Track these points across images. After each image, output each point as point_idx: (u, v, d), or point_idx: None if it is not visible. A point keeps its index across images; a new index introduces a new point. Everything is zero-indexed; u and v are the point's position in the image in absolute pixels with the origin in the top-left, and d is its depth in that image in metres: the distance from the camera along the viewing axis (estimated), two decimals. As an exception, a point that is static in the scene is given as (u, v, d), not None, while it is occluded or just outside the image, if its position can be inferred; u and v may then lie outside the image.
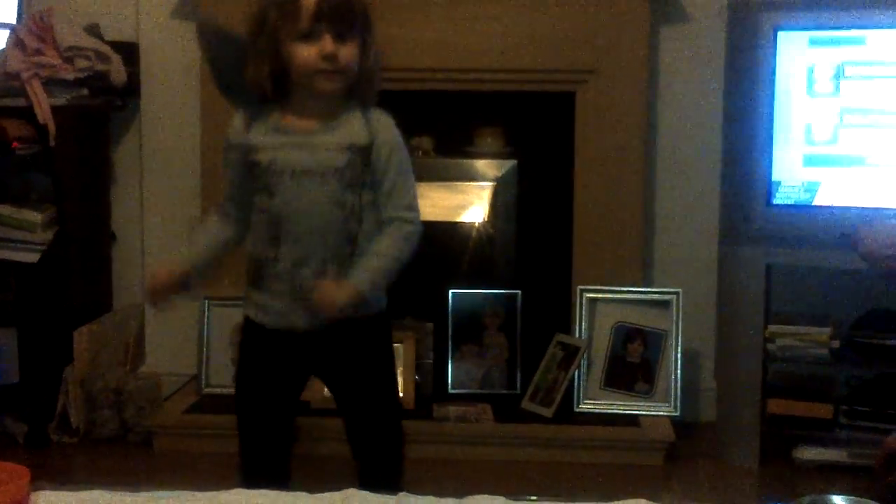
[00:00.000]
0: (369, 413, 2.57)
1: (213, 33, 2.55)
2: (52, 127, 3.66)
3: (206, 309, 3.87)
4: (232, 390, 3.74)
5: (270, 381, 2.53)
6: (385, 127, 2.40)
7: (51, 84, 3.72)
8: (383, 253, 2.38)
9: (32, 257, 3.72)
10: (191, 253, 2.57)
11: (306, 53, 2.30)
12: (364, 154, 2.35)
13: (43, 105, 3.66)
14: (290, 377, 2.55)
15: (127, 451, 3.70)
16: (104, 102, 3.95)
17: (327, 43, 2.28)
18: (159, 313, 3.91)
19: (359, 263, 2.37)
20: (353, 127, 2.37)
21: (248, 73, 2.35)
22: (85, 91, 3.82)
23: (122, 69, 3.92)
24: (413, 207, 2.42)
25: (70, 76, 3.76)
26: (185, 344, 4.01)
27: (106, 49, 3.88)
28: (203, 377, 3.85)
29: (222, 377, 3.84)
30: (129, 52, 3.98)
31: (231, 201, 2.52)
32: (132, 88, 4.00)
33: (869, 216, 3.50)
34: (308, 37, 2.29)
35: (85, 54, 3.79)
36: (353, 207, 2.36)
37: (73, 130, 3.82)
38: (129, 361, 4.03)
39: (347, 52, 2.31)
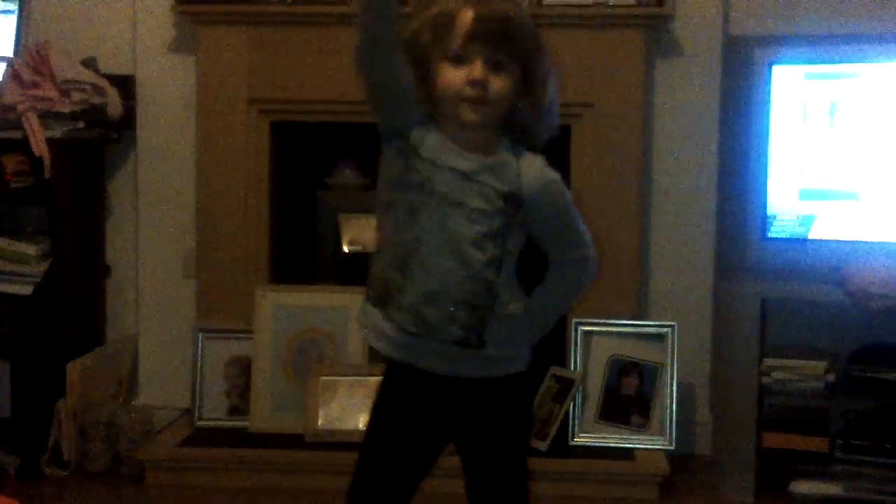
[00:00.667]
0: (500, 485, 2.26)
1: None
2: (47, 159, 3.66)
3: (200, 341, 3.86)
4: (226, 423, 3.79)
5: (401, 423, 2.20)
6: (537, 178, 2.13)
7: (47, 117, 3.73)
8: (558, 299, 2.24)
9: (26, 290, 3.71)
10: None
11: (452, 76, 2.05)
12: (515, 203, 2.10)
13: (39, 138, 3.66)
14: (422, 423, 2.21)
15: (119, 484, 3.67)
16: (100, 135, 3.96)
17: (476, 68, 2.04)
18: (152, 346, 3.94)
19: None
20: (510, 172, 2.10)
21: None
22: (81, 124, 3.83)
23: (119, 102, 3.93)
24: (582, 244, 2.23)
25: (66, 109, 3.76)
26: (178, 377, 4.00)
27: (102, 82, 3.89)
28: (196, 410, 3.83)
29: (216, 410, 3.83)
30: (125, 85, 3.99)
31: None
32: (128, 121, 4.01)
33: (866, 252, 3.52)
34: (459, 59, 2.05)
35: (81, 87, 3.80)
36: (493, 255, 2.10)
37: (68, 163, 3.82)
38: (121, 394, 4.01)
39: (500, 83, 2.05)
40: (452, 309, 2.08)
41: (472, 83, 2.04)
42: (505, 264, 2.12)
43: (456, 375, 2.13)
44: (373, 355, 3.77)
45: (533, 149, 2.16)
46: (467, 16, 2.03)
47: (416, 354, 2.12)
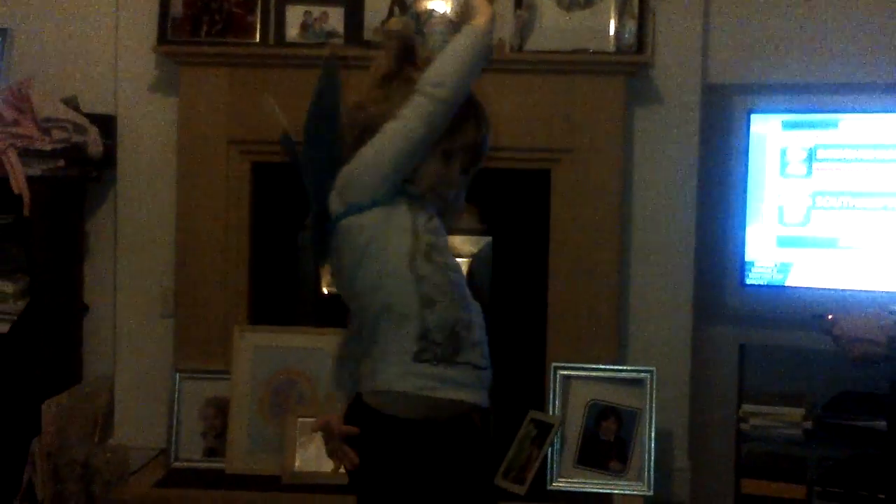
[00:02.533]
0: None
1: (334, 78, 2.40)
2: (27, 197, 3.65)
3: (177, 381, 3.84)
4: (202, 464, 3.76)
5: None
6: None
7: (27, 154, 3.72)
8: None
9: (3, 327, 3.70)
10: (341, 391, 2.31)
11: (437, 169, 2.21)
12: None
13: (18, 175, 3.66)
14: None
15: (93, 525, 3.65)
16: (80, 174, 3.95)
17: (456, 173, 2.24)
18: (129, 388, 3.92)
19: None
20: None
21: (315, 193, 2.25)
22: (61, 162, 3.82)
23: (99, 141, 3.93)
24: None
25: (46, 147, 3.76)
26: (154, 417, 3.98)
27: (83, 121, 3.89)
28: (172, 451, 3.81)
29: (192, 451, 3.81)
30: (106, 124, 3.99)
31: None
32: (108, 160, 4.00)
33: (843, 300, 3.54)
34: (448, 158, 2.22)
35: (62, 125, 3.80)
36: None
37: (47, 201, 3.81)
38: (97, 434, 3.98)
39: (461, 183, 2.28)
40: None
41: (450, 182, 2.22)
42: None
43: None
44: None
45: None
46: (483, 132, 2.27)
47: (485, 391, 2.18)
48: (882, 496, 3.39)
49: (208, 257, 3.93)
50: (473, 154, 2.26)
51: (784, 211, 3.68)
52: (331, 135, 2.25)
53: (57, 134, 3.79)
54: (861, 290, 3.59)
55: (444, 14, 3.80)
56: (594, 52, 3.82)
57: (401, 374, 2.12)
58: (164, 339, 3.99)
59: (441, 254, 2.16)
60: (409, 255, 2.13)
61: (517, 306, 3.98)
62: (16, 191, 3.65)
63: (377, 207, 2.14)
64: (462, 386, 2.13)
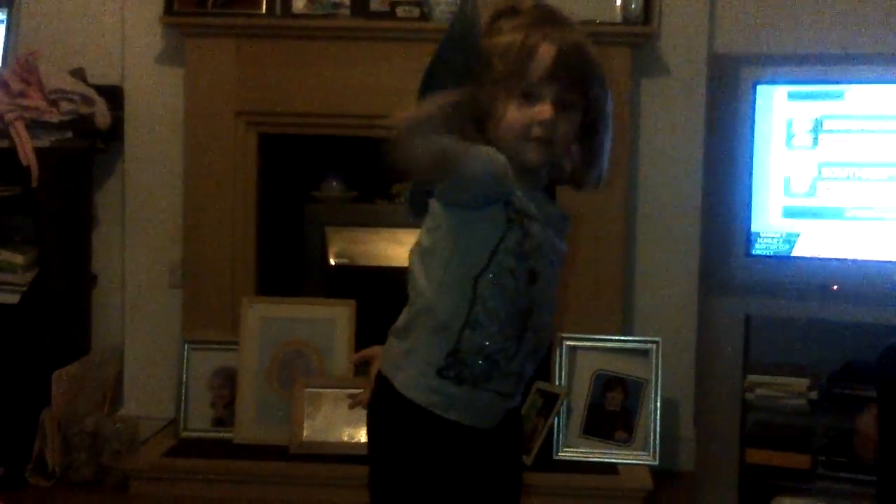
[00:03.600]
0: None
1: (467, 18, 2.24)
2: (34, 169, 3.66)
3: (186, 352, 3.86)
4: (210, 434, 3.79)
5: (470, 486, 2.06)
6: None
7: (35, 126, 3.73)
8: None
9: (13, 298, 3.71)
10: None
11: (521, 115, 1.90)
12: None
13: (26, 147, 3.66)
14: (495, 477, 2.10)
15: (103, 494, 3.67)
16: (87, 145, 3.96)
17: (547, 107, 1.89)
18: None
19: None
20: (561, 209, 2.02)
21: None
22: (69, 134, 3.83)
23: (107, 113, 3.94)
24: None
25: (54, 119, 3.77)
26: (163, 387, 4.00)
27: (90, 92, 3.89)
28: (182, 421, 3.83)
29: (200, 421, 3.83)
30: (113, 95, 4.00)
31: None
32: (116, 132, 4.01)
33: (849, 270, 3.55)
34: (529, 95, 1.90)
35: (69, 97, 3.81)
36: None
37: (55, 173, 3.82)
38: (106, 404, 4.01)
39: (566, 124, 1.92)
40: (540, 355, 2.02)
41: (541, 123, 1.89)
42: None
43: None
44: (358, 369, 3.79)
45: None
46: (549, 52, 1.88)
47: (499, 415, 2.02)
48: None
49: (216, 228, 3.94)
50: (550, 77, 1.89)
51: (790, 182, 3.67)
52: (462, 64, 1.93)
53: (65, 105, 3.80)
54: (867, 260, 3.60)
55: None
56: (601, 23, 3.81)
57: (419, 383, 1.99)
58: (173, 309, 4.02)
59: (510, 278, 1.92)
60: (476, 276, 1.93)
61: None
62: (24, 162, 3.66)
63: (467, 210, 1.91)
64: (477, 413, 1.99)
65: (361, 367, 2.19)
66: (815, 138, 3.66)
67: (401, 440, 2.03)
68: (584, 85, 1.92)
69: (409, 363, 1.99)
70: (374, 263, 4.12)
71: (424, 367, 1.97)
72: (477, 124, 1.92)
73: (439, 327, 1.95)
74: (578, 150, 1.99)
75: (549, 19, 1.94)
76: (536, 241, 1.92)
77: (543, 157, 1.93)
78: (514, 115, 1.90)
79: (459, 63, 1.92)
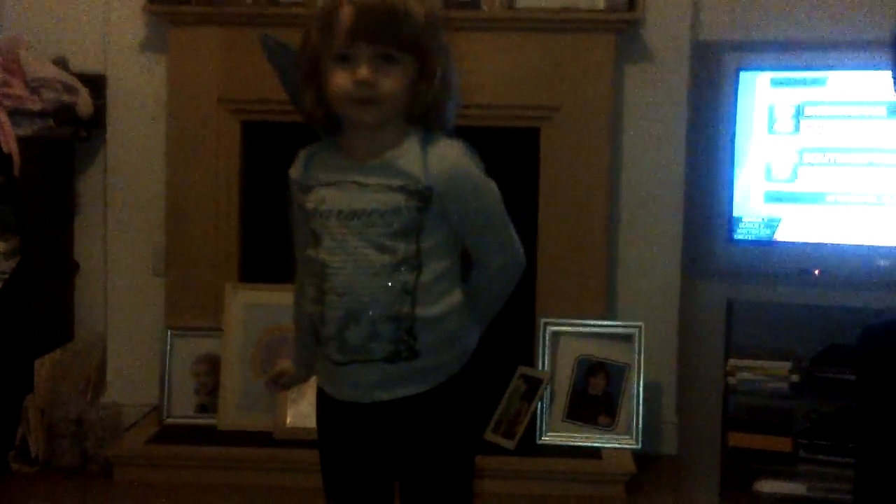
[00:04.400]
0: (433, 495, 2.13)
1: (274, 46, 2.32)
2: (16, 157, 3.66)
3: (169, 339, 3.86)
4: (194, 421, 3.79)
5: (347, 457, 2.12)
6: (443, 168, 1.98)
7: (17, 114, 3.72)
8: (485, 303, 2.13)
9: (-5, 286, 3.71)
10: (300, 352, 2.20)
11: (340, 78, 1.93)
12: (421, 197, 1.97)
13: (8, 135, 3.66)
14: (364, 452, 2.11)
15: (87, 481, 3.67)
16: (70, 133, 3.95)
17: (362, 67, 1.91)
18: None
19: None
20: (409, 164, 1.98)
21: (301, 102, 2.03)
22: (51, 122, 3.82)
23: (89, 101, 3.93)
24: (504, 249, 2.13)
25: (36, 107, 3.76)
26: (146, 374, 4.00)
27: (73, 81, 3.89)
28: (165, 407, 3.84)
29: (184, 408, 3.83)
30: (96, 84, 3.99)
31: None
32: (98, 120, 4.00)
33: (830, 254, 3.57)
34: (345, 58, 1.93)
35: (52, 86, 3.80)
36: (405, 256, 1.97)
37: (37, 161, 3.82)
38: (90, 391, 4.00)
39: (390, 79, 1.93)
40: (373, 325, 1.98)
41: (359, 83, 1.92)
42: (424, 264, 1.99)
43: (392, 398, 2.02)
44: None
45: (452, 135, 2.05)
46: (346, 11, 1.92)
47: (350, 387, 2.03)
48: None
49: (199, 215, 3.94)
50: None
51: (772, 167, 3.69)
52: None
53: (47, 94, 3.79)
54: (848, 245, 3.61)
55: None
56: (584, 10, 3.82)
57: None
58: (156, 296, 4.01)
59: (304, 244, 2.04)
60: (302, 246, 2.07)
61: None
62: (5, 151, 3.66)
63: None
64: (324, 375, 2.09)
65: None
66: (797, 124, 3.68)
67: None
68: (395, 35, 1.92)
69: None
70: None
71: None
72: (318, 94, 1.99)
73: None
74: (427, 90, 1.98)
75: None
76: (314, 201, 2.00)
77: (374, 116, 1.96)
78: (336, 79, 1.94)
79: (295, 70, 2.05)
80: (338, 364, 2.01)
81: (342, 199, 1.98)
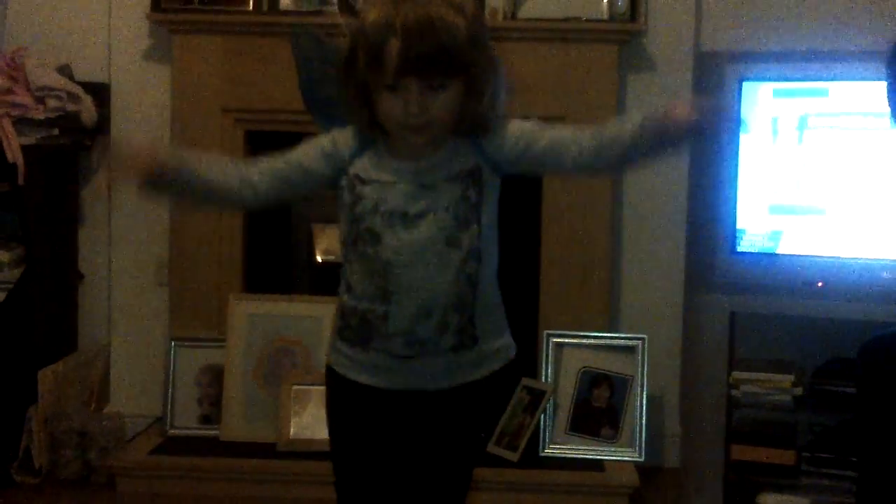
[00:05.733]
0: (442, 482, 2.21)
1: (309, 44, 2.30)
2: (21, 166, 3.66)
3: (173, 350, 3.86)
4: (197, 432, 3.79)
5: (378, 446, 2.16)
6: (500, 135, 2.05)
7: (21, 123, 3.73)
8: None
9: (-1, 296, 3.72)
10: (184, 155, 2.10)
11: (391, 106, 1.96)
12: (475, 178, 2.04)
13: (13, 144, 3.66)
14: (404, 440, 2.17)
15: (90, 492, 3.67)
16: (74, 142, 3.96)
17: (412, 95, 1.94)
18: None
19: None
20: (460, 153, 2.04)
21: (347, 115, 2.07)
22: (55, 131, 3.83)
23: (94, 110, 3.93)
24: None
25: (41, 116, 3.76)
26: (150, 385, 4.00)
27: (77, 89, 3.89)
28: (168, 418, 3.83)
29: (187, 419, 3.83)
30: (100, 92, 3.99)
31: (269, 174, 2.10)
32: (102, 129, 4.01)
33: (834, 267, 3.57)
34: (394, 87, 1.95)
35: (56, 94, 3.80)
36: (470, 246, 2.03)
37: (42, 169, 3.82)
38: (93, 402, 4.01)
39: (440, 102, 1.96)
40: (443, 317, 2.03)
41: (410, 113, 1.95)
42: (483, 253, 2.06)
43: (451, 386, 2.10)
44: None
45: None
46: (393, 47, 1.91)
47: (409, 378, 2.09)
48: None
49: (203, 225, 3.94)
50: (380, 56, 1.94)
51: (775, 179, 3.69)
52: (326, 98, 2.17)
53: (51, 103, 3.79)
54: (851, 257, 3.61)
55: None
56: (587, 20, 3.82)
57: (331, 346, 2.19)
58: (160, 306, 4.01)
59: (360, 241, 2.04)
60: (343, 242, 2.09)
61: (509, 274, 3.99)
62: (10, 159, 3.66)
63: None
64: (377, 370, 2.10)
65: None
66: (801, 135, 3.68)
67: (328, 402, 2.23)
68: (442, 66, 1.94)
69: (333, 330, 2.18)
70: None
71: (334, 331, 2.15)
72: (369, 115, 2.02)
73: (339, 294, 2.12)
74: (476, 109, 2.00)
75: None
76: (373, 200, 2.02)
77: (425, 138, 2.01)
78: (385, 105, 1.98)
79: (324, 74, 2.15)
80: (400, 357, 2.07)
81: (404, 197, 2.02)
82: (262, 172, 2.10)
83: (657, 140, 2.03)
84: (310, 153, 2.10)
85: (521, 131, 2.07)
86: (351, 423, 2.18)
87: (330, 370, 2.19)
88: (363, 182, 2.04)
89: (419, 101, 1.95)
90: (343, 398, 2.18)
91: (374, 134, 2.05)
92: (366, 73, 1.97)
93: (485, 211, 2.06)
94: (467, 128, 2.04)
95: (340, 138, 2.08)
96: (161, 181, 2.04)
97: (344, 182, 2.06)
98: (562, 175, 2.14)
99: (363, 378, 2.11)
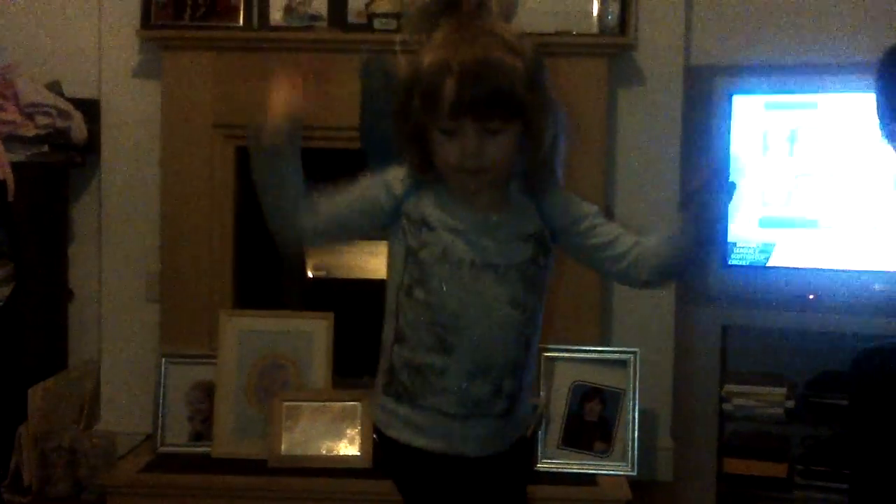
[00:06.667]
0: None
1: (379, 76, 2.24)
2: (10, 183, 3.65)
3: (163, 366, 3.84)
4: (188, 449, 3.77)
5: None
6: (559, 202, 2.04)
7: (11, 140, 3.72)
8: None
9: (-12, 313, 3.70)
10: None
11: (447, 150, 1.92)
12: (542, 243, 2.02)
13: (2, 161, 3.65)
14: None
15: (80, 510, 3.66)
16: (64, 159, 3.95)
17: (468, 139, 1.89)
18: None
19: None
20: (528, 214, 2.01)
21: (402, 156, 2.01)
22: (45, 148, 3.82)
23: (83, 126, 3.93)
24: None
25: (30, 133, 3.76)
26: (140, 402, 3.99)
27: (67, 106, 3.89)
28: (159, 435, 3.81)
29: (178, 435, 3.81)
30: (90, 109, 3.99)
31: (328, 208, 2.04)
32: (92, 145, 4.00)
33: (826, 280, 3.57)
34: (450, 131, 1.91)
35: (46, 111, 3.80)
36: (530, 310, 2.00)
37: (32, 186, 3.81)
38: (83, 420, 3.99)
39: (496, 146, 1.91)
40: (499, 378, 1.97)
41: (466, 157, 1.90)
42: (537, 318, 2.03)
43: (491, 454, 2.02)
44: (336, 382, 3.79)
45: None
46: (450, 86, 1.87)
47: (460, 441, 2.00)
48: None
49: (193, 242, 3.94)
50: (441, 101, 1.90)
51: (766, 192, 3.69)
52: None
53: (41, 119, 3.79)
54: (843, 270, 3.61)
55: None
56: (577, 34, 3.83)
57: (376, 404, 2.08)
58: (150, 323, 4.00)
59: (419, 289, 1.97)
60: (397, 289, 2.01)
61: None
62: (0, 176, 3.65)
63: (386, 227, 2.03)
64: (421, 431, 2.00)
65: None
66: (791, 148, 3.68)
67: (386, 466, 2.12)
68: (500, 105, 1.89)
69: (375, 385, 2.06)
70: (352, 276, 4.11)
71: (378, 387, 2.04)
72: (423, 156, 1.97)
73: (384, 346, 2.03)
74: (534, 154, 1.97)
75: (461, 38, 1.92)
76: (437, 250, 1.95)
77: (481, 184, 1.95)
78: (441, 150, 1.93)
79: (387, 109, 2.01)
80: (451, 416, 1.98)
81: (474, 248, 1.96)
82: (326, 204, 2.05)
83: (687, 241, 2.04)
84: (369, 189, 2.03)
85: (580, 211, 2.07)
86: (405, 485, 2.10)
87: (377, 432, 2.09)
88: (430, 227, 1.97)
89: (475, 145, 1.90)
90: (394, 460, 2.09)
91: (428, 178, 1.99)
92: (421, 114, 1.93)
93: (547, 277, 2.04)
94: (528, 181, 2.00)
95: (397, 174, 2.01)
96: (283, 149, 2.01)
97: (405, 224, 1.98)
98: (610, 274, 2.11)
99: (405, 437, 2.01)
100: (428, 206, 1.98)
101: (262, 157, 2.01)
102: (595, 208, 2.09)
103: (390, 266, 2.03)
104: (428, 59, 1.92)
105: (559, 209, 2.04)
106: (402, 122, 1.96)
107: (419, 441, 2.00)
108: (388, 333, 2.04)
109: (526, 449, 2.14)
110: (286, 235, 2.07)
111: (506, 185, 2.00)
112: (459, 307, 1.95)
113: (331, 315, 3.80)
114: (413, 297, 1.97)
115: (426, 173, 1.98)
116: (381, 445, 2.11)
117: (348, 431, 3.66)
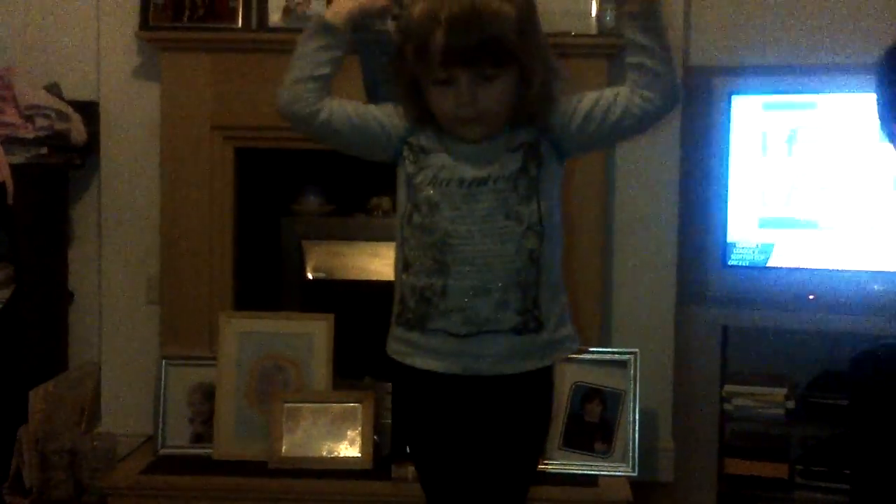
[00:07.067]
0: (507, 480, 2.16)
1: (370, 35, 2.28)
2: (10, 185, 3.65)
3: (164, 368, 3.84)
4: (189, 450, 3.77)
5: (451, 435, 2.11)
6: (556, 117, 2.08)
7: (10, 142, 3.71)
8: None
9: (-12, 316, 3.70)
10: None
11: (440, 100, 1.98)
12: (534, 151, 2.04)
13: (1, 163, 3.65)
14: (470, 428, 2.11)
15: (81, 512, 3.67)
16: (63, 161, 3.95)
17: (462, 87, 1.95)
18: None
19: None
20: (520, 131, 2.05)
21: (400, 106, 2.09)
22: (44, 150, 3.82)
23: (83, 128, 3.92)
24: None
25: (30, 135, 3.75)
26: (141, 404, 3.99)
27: (66, 108, 3.88)
28: (159, 437, 3.81)
29: (179, 437, 3.81)
30: (89, 111, 3.99)
31: (342, 106, 2.14)
32: (92, 147, 4.00)
33: (825, 280, 3.57)
34: (445, 81, 1.97)
35: (45, 113, 3.79)
36: (530, 221, 2.03)
37: (31, 189, 3.81)
38: (84, 422, 3.99)
39: (491, 93, 1.96)
40: (503, 293, 2.00)
41: (461, 104, 1.96)
42: (546, 230, 2.05)
43: (513, 373, 2.05)
44: (337, 384, 3.79)
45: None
46: (439, 36, 1.92)
47: (473, 359, 2.03)
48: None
49: (193, 243, 3.93)
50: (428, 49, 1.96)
51: (765, 192, 3.69)
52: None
53: (40, 121, 3.78)
54: (843, 270, 3.61)
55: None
56: (576, 35, 3.83)
57: (390, 336, 2.14)
58: (150, 325, 4.00)
59: (416, 212, 2.04)
60: (401, 218, 2.08)
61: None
62: (-1, 179, 3.66)
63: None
64: (433, 354, 2.05)
65: None
66: (790, 149, 3.68)
67: (393, 395, 2.20)
68: (490, 52, 1.94)
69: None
70: (352, 277, 4.11)
71: (392, 320, 2.12)
72: (421, 111, 2.05)
73: (396, 278, 2.10)
74: (528, 100, 2.02)
75: None
76: (430, 172, 2.03)
77: (478, 132, 2.02)
78: (436, 100, 2.00)
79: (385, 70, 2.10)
80: (460, 337, 2.02)
81: (464, 166, 2.02)
82: (343, 103, 2.14)
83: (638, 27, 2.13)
84: (383, 112, 2.11)
85: (574, 104, 2.11)
86: (414, 412, 2.14)
87: (390, 361, 2.15)
88: (426, 152, 2.05)
89: (469, 93, 1.95)
90: (404, 386, 2.15)
91: (427, 128, 2.07)
92: (415, 67, 1.99)
93: (545, 188, 2.06)
94: (523, 118, 2.04)
95: (396, 113, 2.10)
96: (337, 30, 2.13)
97: (406, 152, 2.07)
98: (631, 122, 2.10)
99: (420, 362, 2.07)
100: (426, 137, 2.06)
101: (315, 27, 2.14)
102: (577, 95, 2.14)
103: (398, 198, 2.11)
104: (417, 10, 1.97)
105: (557, 119, 2.08)
106: (399, 77, 2.03)
107: (432, 364, 2.06)
108: (397, 264, 2.10)
109: (549, 380, 2.15)
110: (298, 111, 2.12)
111: (502, 129, 2.04)
112: (451, 226, 2.01)
113: (331, 316, 3.80)
114: (412, 224, 2.05)
115: (426, 125, 2.06)
116: (395, 381, 2.16)
117: (349, 433, 3.66)
